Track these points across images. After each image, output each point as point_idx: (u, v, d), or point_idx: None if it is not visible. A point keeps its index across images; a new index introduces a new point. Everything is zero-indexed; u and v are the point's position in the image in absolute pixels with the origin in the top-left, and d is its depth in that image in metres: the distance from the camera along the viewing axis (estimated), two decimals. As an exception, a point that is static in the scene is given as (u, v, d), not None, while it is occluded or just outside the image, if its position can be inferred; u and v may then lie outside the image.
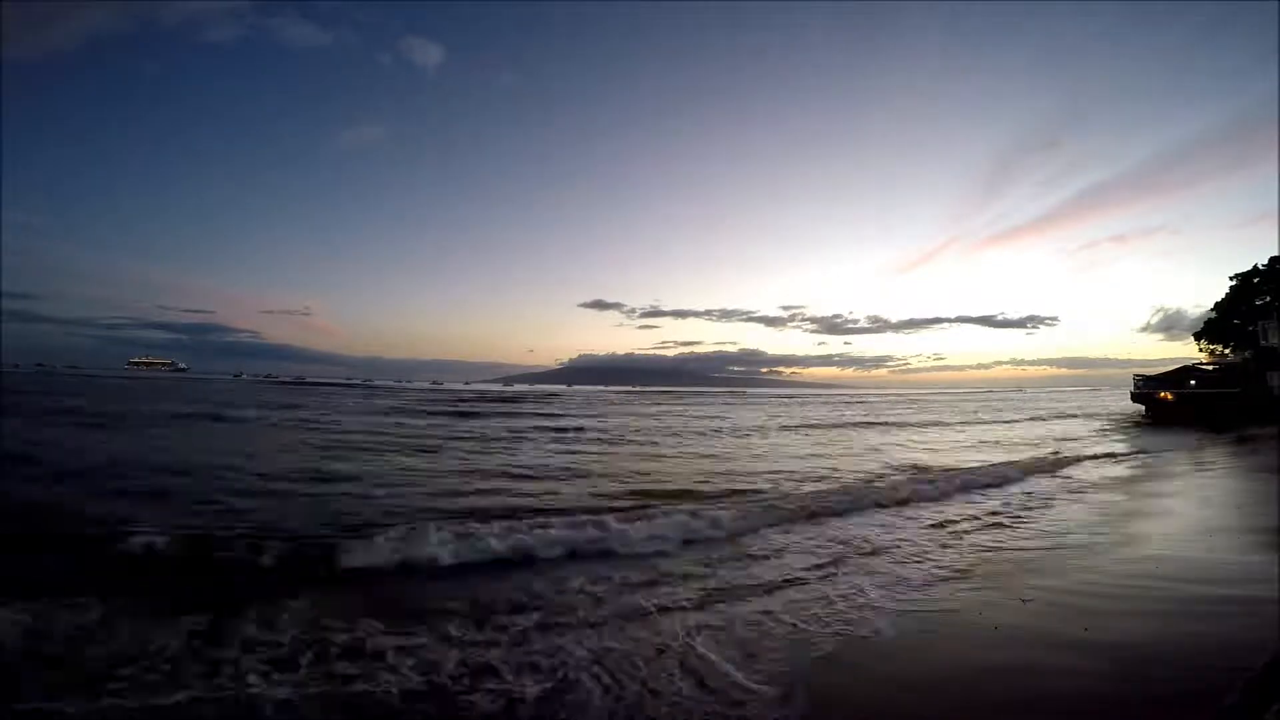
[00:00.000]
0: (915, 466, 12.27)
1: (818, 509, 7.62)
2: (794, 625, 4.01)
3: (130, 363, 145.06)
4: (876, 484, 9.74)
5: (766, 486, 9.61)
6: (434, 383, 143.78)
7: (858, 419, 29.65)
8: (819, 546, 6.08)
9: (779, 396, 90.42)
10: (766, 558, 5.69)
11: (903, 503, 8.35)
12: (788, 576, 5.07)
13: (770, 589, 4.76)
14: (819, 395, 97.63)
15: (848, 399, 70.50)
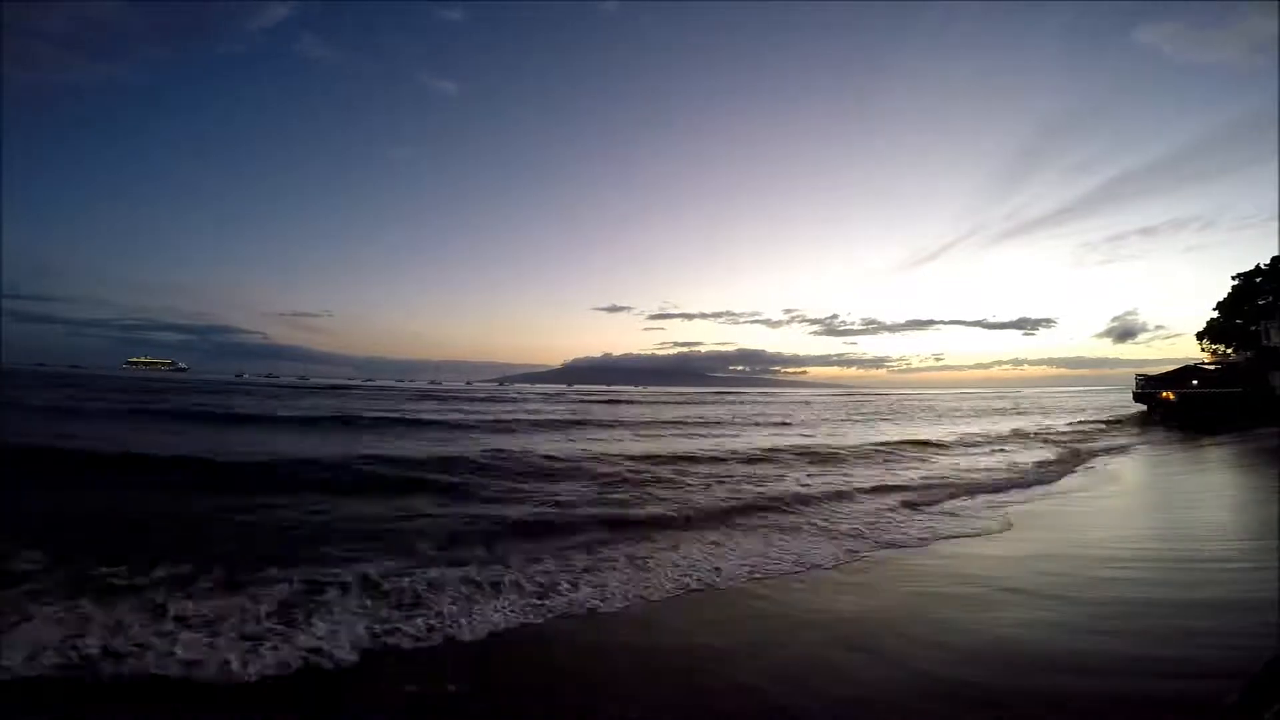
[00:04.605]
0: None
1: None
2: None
3: (127, 363, 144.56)
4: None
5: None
6: (432, 381, 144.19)
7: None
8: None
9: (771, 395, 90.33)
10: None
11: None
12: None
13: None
14: (814, 394, 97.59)
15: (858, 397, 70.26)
